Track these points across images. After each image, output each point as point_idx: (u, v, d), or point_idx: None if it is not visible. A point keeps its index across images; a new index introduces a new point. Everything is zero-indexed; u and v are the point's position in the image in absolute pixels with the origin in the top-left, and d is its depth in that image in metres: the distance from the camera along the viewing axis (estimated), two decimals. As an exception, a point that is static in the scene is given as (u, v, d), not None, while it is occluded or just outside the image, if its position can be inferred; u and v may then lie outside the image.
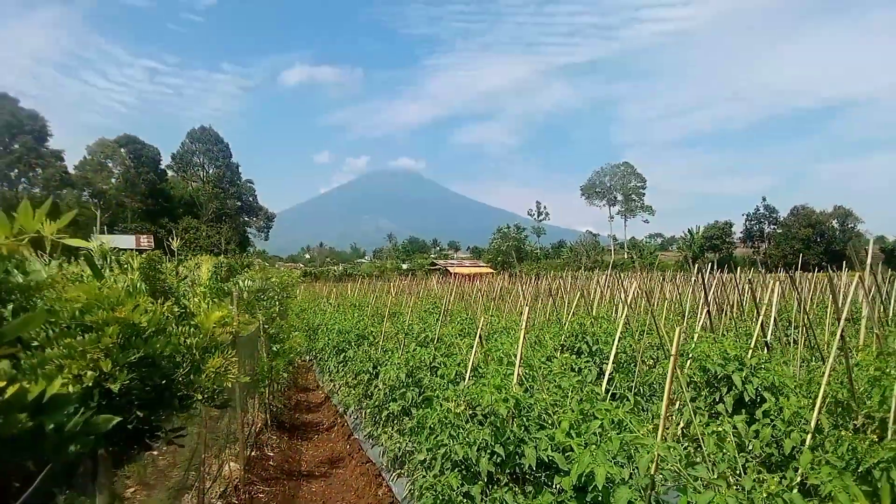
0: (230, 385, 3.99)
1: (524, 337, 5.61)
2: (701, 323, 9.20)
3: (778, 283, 11.24)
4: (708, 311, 8.66)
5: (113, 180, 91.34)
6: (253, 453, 10.19)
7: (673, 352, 3.92)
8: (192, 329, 3.87)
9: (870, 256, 9.49)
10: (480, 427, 5.30)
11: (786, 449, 5.86)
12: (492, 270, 76.65)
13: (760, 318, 7.64)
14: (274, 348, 11.77)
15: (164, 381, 3.74)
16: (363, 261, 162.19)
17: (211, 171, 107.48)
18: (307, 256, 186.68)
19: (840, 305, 7.05)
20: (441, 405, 5.72)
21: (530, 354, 7.61)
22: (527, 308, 5.77)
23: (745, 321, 13.37)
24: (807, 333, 10.24)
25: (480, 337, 7.10)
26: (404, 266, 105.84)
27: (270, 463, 10.20)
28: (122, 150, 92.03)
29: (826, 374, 6.53)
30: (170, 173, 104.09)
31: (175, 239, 20.06)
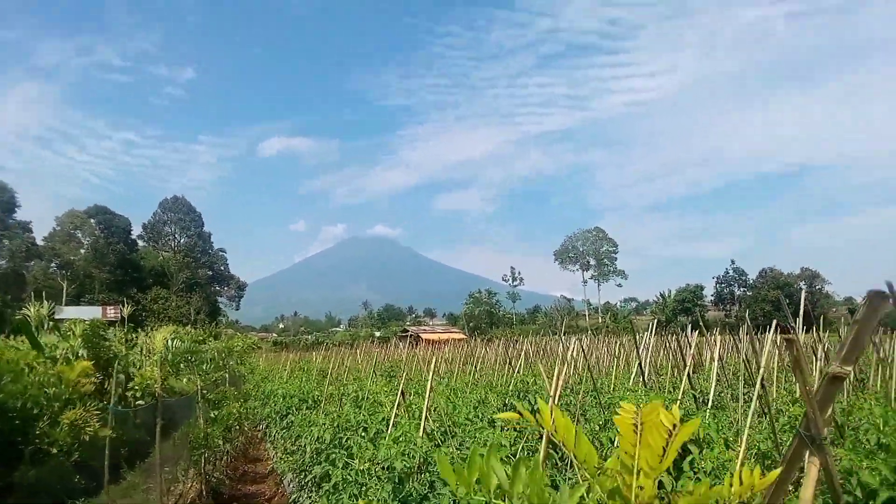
0: (87, 438, 3.80)
1: (430, 390, 5.49)
2: (633, 378, 9.16)
3: (720, 342, 11.29)
4: (640, 365, 8.64)
5: (82, 251, 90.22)
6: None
7: (552, 392, 3.86)
8: (52, 379, 3.72)
9: (801, 313, 9.59)
10: (383, 484, 5.10)
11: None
12: (463, 336, 76.09)
13: (686, 370, 7.61)
14: (212, 414, 11.37)
15: (16, 436, 3.55)
16: (338, 329, 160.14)
17: (182, 241, 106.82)
18: (281, 326, 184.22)
19: (759, 360, 7.07)
20: (345, 463, 5.52)
21: (455, 411, 7.44)
22: (433, 362, 5.67)
23: (700, 379, 13.34)
24: (761, 389, 10.24)
25: (402, 393, 6.95)
26: (377, 334, 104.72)
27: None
28: (92, 220, 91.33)
29: (747, 425, 6.45)
30: (140, 243, 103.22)
31: (126, 307, 19.56)
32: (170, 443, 11.13)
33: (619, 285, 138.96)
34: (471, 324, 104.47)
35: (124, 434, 9.92)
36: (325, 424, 8.09)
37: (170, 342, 8.88)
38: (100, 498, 7.25)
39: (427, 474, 5.19)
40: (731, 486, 1.07)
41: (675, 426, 0.97)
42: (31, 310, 11.84)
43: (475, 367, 17.72)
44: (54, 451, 3.61)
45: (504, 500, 1.01)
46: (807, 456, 2.10)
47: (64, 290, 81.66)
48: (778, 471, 1.14)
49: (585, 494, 0.95)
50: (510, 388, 10.34)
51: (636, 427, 0.97)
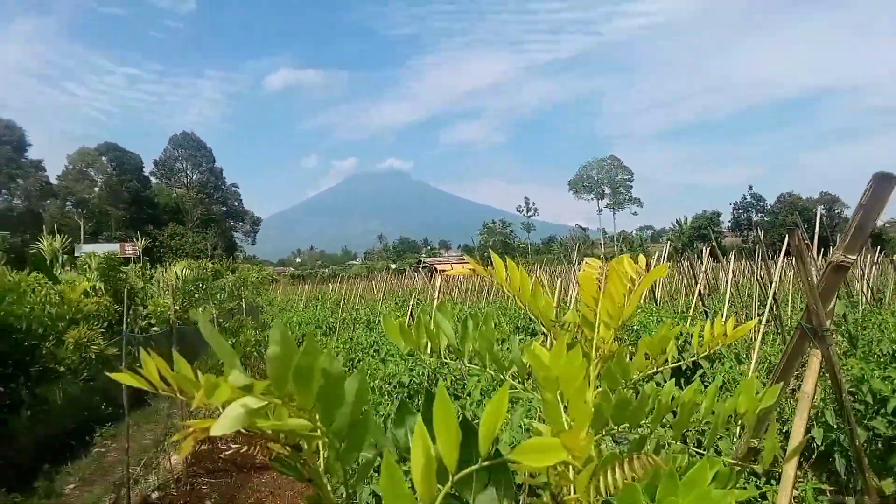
0: (93, 357, 3.84)
1: (437, 308, 5.50)
2: (642, 299, 9.15)
3: (733, 264, 11.20)
4: (651, 288, 8.62)
5: (96, 189, 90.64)
6: (203, 447, 10.00)
7: (554, 304, 3.83)
8: (53, 297, 3.72)
9: (816, 235, 9.41)
10: (392, 399, 5.18)
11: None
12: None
13: (697, 288, 7.56)
14: (229, 342, 11.61)
15: (24, 355, 3.57)
16: (354, 263, 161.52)
17: (195, 177, 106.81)
18: (298, 260, 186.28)
19: (770, 275, 6.99)
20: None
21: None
22: (440, 278, 5.65)
23: (714, 301, 13.33)
24: (772, 308, 10.25)
25: (412, 314, 6.99)
26: (393, 266, 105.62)
27: (221, 456, 10.01)
28: (103, 158, 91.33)
29: (758, 340, 6.41)
30: (153, 180, 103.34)
31: (141, 240, 19.65)
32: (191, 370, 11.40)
33: (635, 213, 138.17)
34: (485, 254, 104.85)
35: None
36: (337, 347, 8.20)
37: (179, 272, 8.96)
38: (123, 422, 7.49)
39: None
40: (700, 336, 1.00)
41: (639, 275, 0.90)
42: (45, 243, 11.93)
43: (489, 295, 17.85)
44: (62, 369, 3.63)
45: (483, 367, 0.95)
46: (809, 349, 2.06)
47: (81, 228, 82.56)
48: (752, 322, 1.07)
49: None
50: (522, 312, 10.39)
51: (600, 280, 0.90)
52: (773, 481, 3.78)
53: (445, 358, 0.97)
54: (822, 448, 4.22)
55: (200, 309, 11.06)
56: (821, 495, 4.09)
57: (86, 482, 8.11)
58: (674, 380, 0.88)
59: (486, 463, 0.56)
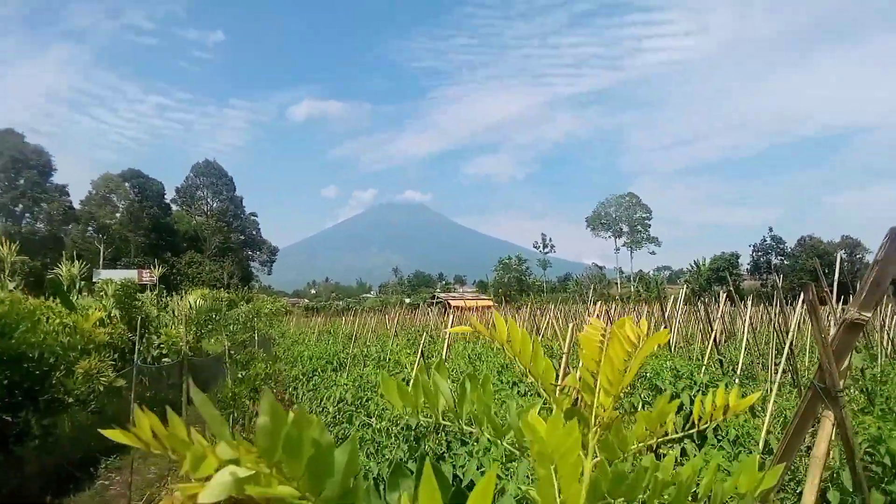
0: (101, 388, 3.84)
1: (447, 348, 5.47)
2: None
3: (750, 310, 11.04)
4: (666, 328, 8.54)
5: (117, 215, 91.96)
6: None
7: (565, 349, 3.78)
8: (64, 328, 3.74)
9: (836, 280, 9.29)
10: (399, 442, 5.12)
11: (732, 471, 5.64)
12: (491, 303, 76.31)
13: (713, 335, 7.45)
14: (240, 374, 11.57)
15: (34, 384, 3.58)
16: (369, 295, 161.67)
17: (215, 205, 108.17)
18: (313, 291, 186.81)
19: (788, 322, 6.89)
20: (364, 422, 5.56)
21: (477, 373, 7.44)
22: (452, 316, 5.62)
23: (731, 348, 13.15)
24: (788, 358, 10.06)
25: (422, 353, 6.95)
26: (408, 300, 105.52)
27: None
28: (127, 184, 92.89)
29: (773, 392, 6.31)
30: (174, 207, 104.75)
31: (158, 268, 19.88)
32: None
33: (653, 253, 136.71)
34: (500, 290, 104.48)
35: (156, 393, 10.15)
36: (346, 385, 8.16)
37: (192, 302, 9.01)
38: (129, 454, 7.46)
39: (443, 434, 5.17)
40: (701, 405, 0.97)
41: (640, 339, 0.88)
42: (63, 269, 12.08)
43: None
44: (70, 400, 3.64)
45: (463, 423, 0.94)
46: (821, 410, 2.01)
47: (101, 254, 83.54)
48: (757, 394, 1.05)
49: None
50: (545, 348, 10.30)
51: (602, 343, 0.89)
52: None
53: (442, 420, 0.96)
54: (840, 511, 4.09)
55: (213, 340, 11.09)
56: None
57: (86, 517, 8.07)
58: (679, 448, 0.86)
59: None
